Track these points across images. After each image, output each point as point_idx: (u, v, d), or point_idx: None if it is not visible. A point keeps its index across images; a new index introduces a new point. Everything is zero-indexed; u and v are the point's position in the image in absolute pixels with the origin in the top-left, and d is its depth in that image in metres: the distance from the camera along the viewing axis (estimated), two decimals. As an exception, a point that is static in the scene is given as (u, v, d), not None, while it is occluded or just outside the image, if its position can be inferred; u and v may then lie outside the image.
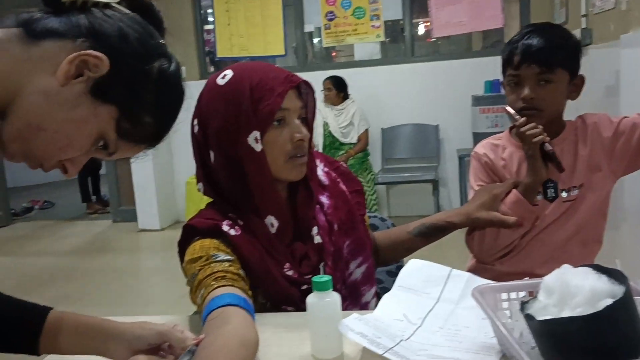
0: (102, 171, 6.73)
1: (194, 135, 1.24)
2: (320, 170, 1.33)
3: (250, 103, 1.16)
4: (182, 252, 1.23)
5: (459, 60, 5.58)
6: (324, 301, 0.96)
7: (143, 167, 5.69)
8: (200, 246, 1.15)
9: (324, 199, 1.30)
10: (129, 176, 5.86)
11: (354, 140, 5.39)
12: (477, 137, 5.18)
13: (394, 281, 1.70)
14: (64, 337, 0.95)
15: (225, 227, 1.18)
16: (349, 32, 5.65)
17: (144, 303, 3.93)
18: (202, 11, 6.06)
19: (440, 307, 1.10)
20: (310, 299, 0.98)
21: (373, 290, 1.32)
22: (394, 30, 6.65)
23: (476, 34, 6.53)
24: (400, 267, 1.73)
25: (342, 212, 1.30)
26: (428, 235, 1.43)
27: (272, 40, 5.70)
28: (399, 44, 7.46)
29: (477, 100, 5.14)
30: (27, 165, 0.82)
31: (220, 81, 1.19)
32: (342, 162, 1.39)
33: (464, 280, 1.14)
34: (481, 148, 1.63)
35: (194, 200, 5.53)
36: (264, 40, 5.70)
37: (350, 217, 1.30)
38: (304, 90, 1.24)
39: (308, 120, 1.25)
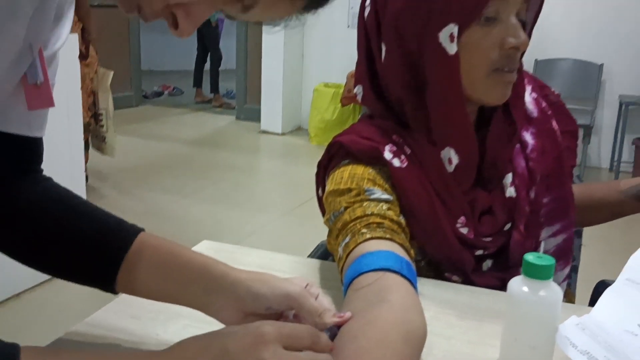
0: (232, 66, 6.62)
1: (362, 21, 0.91)
2: (528, 96, 0.95)
3: None
4: (322, 177, 0.93)
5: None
6: (538, 295, 0.62)
7: (274, 66, 5.49)
8: (350, 174, 0.84)
9: (528, 136, 0.93)
10: (259, 74, 5.67)
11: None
12: (651, 84, 4.48)
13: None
14: (143, 273, 0.66)
15: (387, 154, 0.85)
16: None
17: (258, 207, 3.78)
18: None
19: (695, 326, 0.72)
20: (517, 285, 0.64)
21: (567, 270, 0.97)
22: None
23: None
24: (578, 232, 1.36)
25: (549, 158, 0.93)
26: None
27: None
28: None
29: (659, 41, 4.38)
30: (120, 6, 0.51)
31: (413, -54, 0.83)
32: (554, 90, 1.00)
33: None
34: None
35: (318, 109, 5.29)
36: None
37: (558, 167, 0.93)
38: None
39: (527, 23, 0.87)
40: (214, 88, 7.01)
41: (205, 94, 7.16)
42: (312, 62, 5.74)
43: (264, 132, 5.69)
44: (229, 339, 0.51)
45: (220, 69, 7.01)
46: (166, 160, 4.67)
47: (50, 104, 0.62)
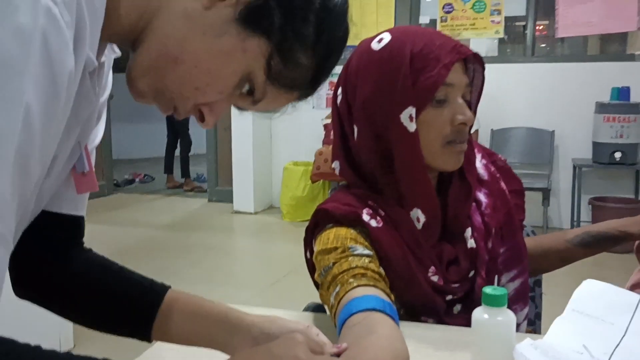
0: (202, 150, 6.83)
1: (335, 106, 1.09)
2: (479, 163, 1.13)
3: (410, 73, 0.98)
4: (309, 240, 1.08)
5: (583, 63, 5.17)
6: (496, 320, 0.77)
7: (243, 149, 5.69)
8: (335, 235, 0.99)
9: (481, 196, 1.10)
10: (229, 157, 5.86)
11: (462, 140, 5.10)
12: (598, 147, 4.78)
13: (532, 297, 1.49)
14: (176, 322, 0.81)
15: (365, 217, 1.01)
16: (466, 27, 5.37)
17: (235, 284, 3.86)
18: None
19: (630, 341, 0.87)
20: (479, 314, 0.78)
21: (525, 310, 1.12)
22: (510, 27, 6.33)
23: (593, 37, 6.03)
24: (538, 282, 1.52)
25: (500, 214, 1.10)
26: (593, 246, 1.19)
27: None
28: (514, 44, 7.10)
29: (602, 108, 4.71)
30: (159, 108, 0.68)
31: (375, 45, 1.02)
32: (501, 156, 1.19)
33: (660, 312, 0.91)
34: None
35: (289, 187, 5.46)
36: (377, 29, 5.53)
37: (509, 221, 1.10)
38: (472, 66, 1.05)
39: (472, 102, 1.06)
40: (185, 173, 7.16)
41: (177, 179, 7.30)
42: (280, 142, 5.97)
43: (237, 212, 5.82)
44: (271, 343, 0.67)
45: (190, 154, 7.20)
46: (141, 246, 4.74)
47: (95, 188, 0.77)
